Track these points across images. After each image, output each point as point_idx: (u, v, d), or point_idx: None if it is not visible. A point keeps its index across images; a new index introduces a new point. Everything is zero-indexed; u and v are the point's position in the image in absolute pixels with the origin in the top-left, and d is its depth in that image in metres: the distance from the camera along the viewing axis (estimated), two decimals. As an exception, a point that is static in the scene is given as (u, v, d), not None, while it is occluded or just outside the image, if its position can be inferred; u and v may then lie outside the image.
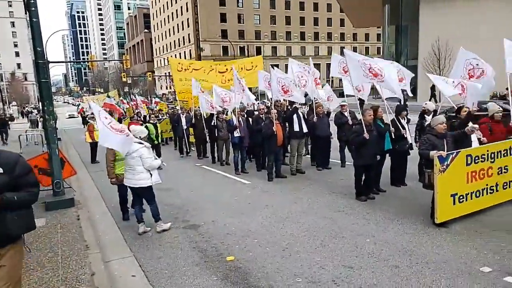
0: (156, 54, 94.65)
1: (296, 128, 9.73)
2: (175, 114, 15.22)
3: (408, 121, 8.28)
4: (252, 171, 10.55)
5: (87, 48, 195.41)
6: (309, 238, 5.61)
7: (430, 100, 20.47)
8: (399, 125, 7.80)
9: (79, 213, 7.26)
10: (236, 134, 10.18)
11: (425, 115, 8.33)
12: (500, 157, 6.27)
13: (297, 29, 79.51)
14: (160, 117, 17.93)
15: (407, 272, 4.39)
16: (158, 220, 6.25)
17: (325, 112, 10.41)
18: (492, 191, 6.24)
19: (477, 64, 7.74)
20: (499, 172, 6.30)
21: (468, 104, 7.36)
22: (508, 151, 6.36)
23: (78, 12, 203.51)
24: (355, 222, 6.15)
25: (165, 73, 78.33)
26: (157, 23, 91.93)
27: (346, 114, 10.07)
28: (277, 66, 15.58)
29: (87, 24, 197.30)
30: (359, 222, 6.16)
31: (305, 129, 9.86)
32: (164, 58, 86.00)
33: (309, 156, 11.34)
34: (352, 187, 7.61)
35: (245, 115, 11.40)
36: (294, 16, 78.86)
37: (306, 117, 10.20)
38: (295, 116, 9.75)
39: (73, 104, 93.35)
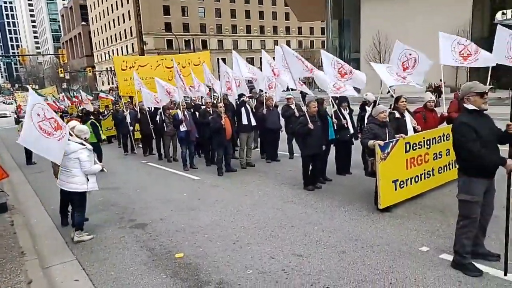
0: (96, 48, 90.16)
1: (245, 121, 9.73)
2: (119, 111, 14.59)
3: (351, 112, 8.58)
4: (201, 166, 10.40)
5: (17, 41, 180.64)
6: (259, 229, 5.63)
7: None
8: (341, 116, 8.07)
9: (13, 218, 6.72)
10: (183, 128, 9.96)
11: (366, 106, 8.68)
12: (435, 143, 6.69)
13: (243, 23, 79.59)
14: (106, 114, 17.13)
15: (353, 256, 4.56)
16: (79, 230, 5.70)
17: (274, 105, 10.52)
18: (429, 176, 6.65)
19: (410, 54, 8.09)
20: (435, 158, 6.73)
21: (416, 81, 7.78)
22: (442, 138, 6.81)
23: (5, 2, 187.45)
24: (304, 212, 6.28)
25: (107, 68, 74.89)
26: (96, 15, 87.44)
27: (293, 106, 10.22)
28: (224, 60, 15.56)
29: (16, 15, 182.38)
30: (308, 211, 6.30)
31: (253, 122, 9.89)
32: (105, 53, 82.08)
33: (258, 149, 11.41)
34: (300, 177, 7.76)
35: (192, 109, 11.19)
36: (239, 9, 78.82)
37: (254, 110, 10.23)
38: (243, 109, 9.74)
39: (3, 102, 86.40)
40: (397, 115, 6.93)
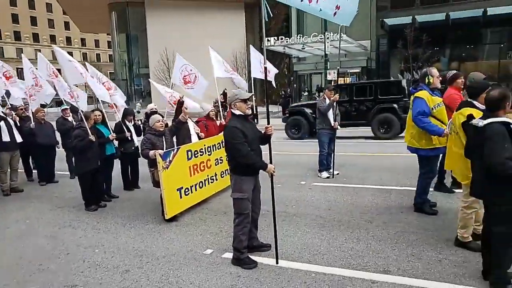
0: None
1: (6, 138, 8.02)
2: None
3: (135, 124, 8.27)
4: None
5: None
6: (22, 266, 4.61)
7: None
8: (125, 128, 7.69)
9: None
10: None
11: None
12: (216, 150, 7.11)
13: (10, 28, 68.10)
14: None
15: (137, 273, 4.23)
16: None
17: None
18: (212, 181, 6.99)
19: (191, 70, 8.58)
20: (216, 163, 7.14)
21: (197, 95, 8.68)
22: (221, 144, 7.28)
23: None
24: (83, 235, 5.55)
25: None
26: None
27: (70, 119, 9.14)
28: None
29: None
30: (88, 234, 5.60)
31: (18, 139, 8.28)
32: None
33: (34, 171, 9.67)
34: (81, 198, 6.91)
35: None
36: (4, 12, 67.12)
37: (19, 124, 8.60)
38: (2, 123, 8.01)
39: None
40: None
